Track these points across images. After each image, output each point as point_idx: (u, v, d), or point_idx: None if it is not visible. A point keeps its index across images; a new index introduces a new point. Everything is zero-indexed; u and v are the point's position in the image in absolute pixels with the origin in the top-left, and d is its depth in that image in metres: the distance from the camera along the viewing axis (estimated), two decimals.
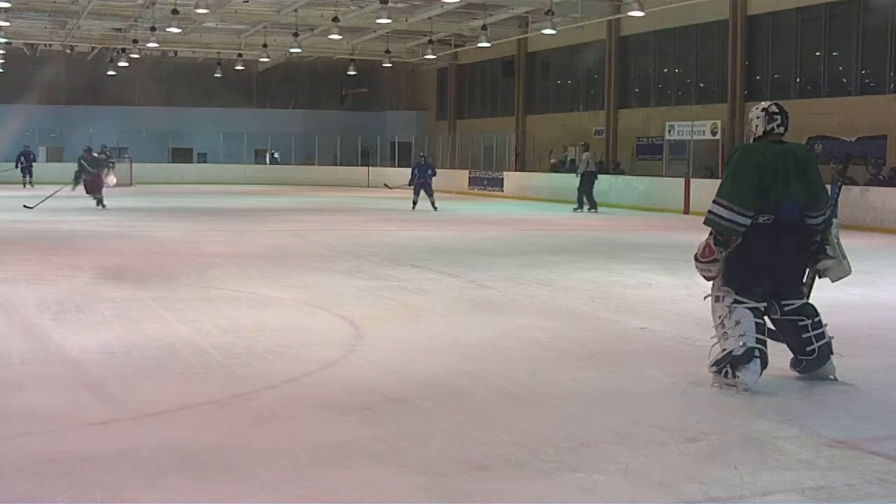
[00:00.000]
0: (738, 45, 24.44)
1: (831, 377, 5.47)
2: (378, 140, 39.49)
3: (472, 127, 36.62)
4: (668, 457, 4.09)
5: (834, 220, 5.52)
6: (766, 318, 5.38)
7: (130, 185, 32.64)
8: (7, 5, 24.37)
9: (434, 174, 22.69)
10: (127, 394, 5.12)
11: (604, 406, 4.96)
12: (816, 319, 5.44)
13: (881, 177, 20.11)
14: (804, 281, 5.54)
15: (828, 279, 5.63)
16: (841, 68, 22.80)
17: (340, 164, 39.26)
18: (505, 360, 6.03)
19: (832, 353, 5.48)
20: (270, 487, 3.68)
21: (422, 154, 25.06)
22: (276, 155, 41.67)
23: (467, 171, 32.63)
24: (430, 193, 22.19)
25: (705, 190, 21.94)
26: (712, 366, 5.32)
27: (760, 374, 5.21)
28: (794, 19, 23.53)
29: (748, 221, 5.25)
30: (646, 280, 10.05)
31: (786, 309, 5.41)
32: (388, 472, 3.87)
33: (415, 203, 22.30)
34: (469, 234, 16.32)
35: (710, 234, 5.38)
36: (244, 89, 40.65)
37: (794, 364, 5.54)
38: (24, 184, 30.85)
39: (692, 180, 22.62)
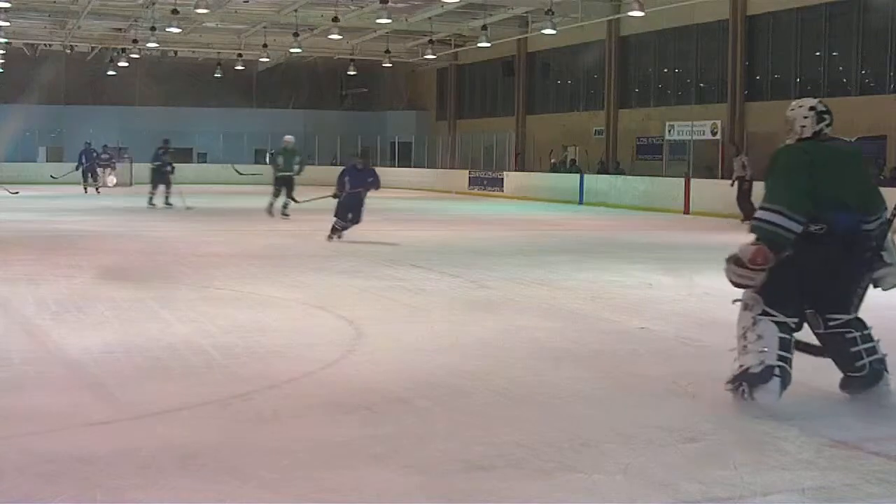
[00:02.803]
0: (738, 45, 24.45)
1: (885, 400, 4.91)
2: (378, 140, 39.49)
3: (472, 127, 36.62)
4: (668, 457, 4.09)
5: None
6: (795, 334, 4.87)
7: (130, 185, 32.64)
8: (7, 5, 24.38)
9: (377, 185, 14.23)
10: (127, 394, 5.12)
11: (604, 406, 4.96)
12: (866, 332, 4.91)
13: (882, 177, 20.10)
14: (857, 293, 4.98)
15: (881, 288, 5.08)
16: (841, 68, 22.80)
17: (340, 164, 39.22)
18: (505, 360, 6.03)
19: (887, 371, 4.94)
20: (270, 487, 3.68)
21: (358, 156, 16.03)
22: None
23: (467, 171, 32.63)
24: (359, 210, 14.01)
25: (705, 190, 21.99)
26: (728, 383, 4.88)
27: (780, 395, 4.75)
28: (794, 19, 23.53)
29: (800, 228, 4.68)
30: (646, 280, 10.04)
31: (831, 324, 4.88)
32: (388, 472, 3.87)
33: (342, 229, 13.82)
34: (469, 234, 16.31)
35: (758, 239, 4.78)
36: (244, 89, 40.64)
37: (844, 384, 5.00)
38: (87, 187, 27.73)
39: (692, 180, 22.62)
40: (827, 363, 6.06)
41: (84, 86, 39.22)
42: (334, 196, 14.04)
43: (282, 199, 18.09)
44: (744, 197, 18.54)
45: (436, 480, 3.79)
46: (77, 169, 27.91)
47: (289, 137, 18.71)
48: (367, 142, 39.42)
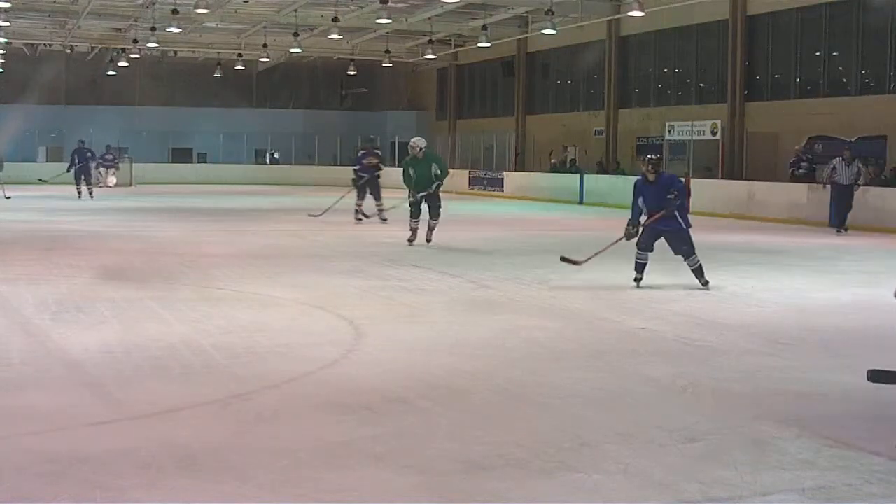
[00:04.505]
0: (738, 45, 24.43)
1: None
2: (378, 140, 39.48)
3: (472, 127, 36.59)
4: (668, 457, 4.09)
5: None
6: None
7: (130, 185, 32.66)
8: (7, 5, 24.34)
9: (682, 196, 9.81)
10: (127, 394, 5.13)
11: (604, 406, 4.96)
12: None
13: (883, 176, 20.10)
14: None
15: None
16: (841, 68, 22.79)
17: (340, 164, 39.25)
18: (505, 360, 6.03)
19: None
20: (270, 487, 3.68)
21: (644, 160, 9.77)
22: (276, 155, 41.68)
23: (467, 171, 32.60)
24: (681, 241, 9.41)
25: (705, 190, 21.97)
26: None
27: None
28: (794, 19, 23.51)
29: None
30: (646, 280, 10.02)
31: None
32: (388, 472, 3.87)
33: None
34: (469, 234, 16.30)
35: None
36: (244, 89, 40.63)
37: None
38: (80, 192, 24.80)
39: (692, 180, 22.61)
40: (824, 364, 6.08)
41: (84, 86, 39.19)
42: (627, 236, 9.52)
43: (430, 222, 13.43)
44: (839, 200, 16.92)
45: (436, 480, 3.79)
46: (69, 170, 25.28)
47: (416, 141, 13.58)
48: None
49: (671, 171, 25.28)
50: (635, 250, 9.39)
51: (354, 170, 17.69)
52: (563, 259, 10.12)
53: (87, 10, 27.15)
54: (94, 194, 24.73)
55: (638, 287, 9.30)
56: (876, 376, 4.56)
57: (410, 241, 13.28)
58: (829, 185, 17.36)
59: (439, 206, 13.36)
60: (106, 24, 30.90)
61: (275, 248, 13.13)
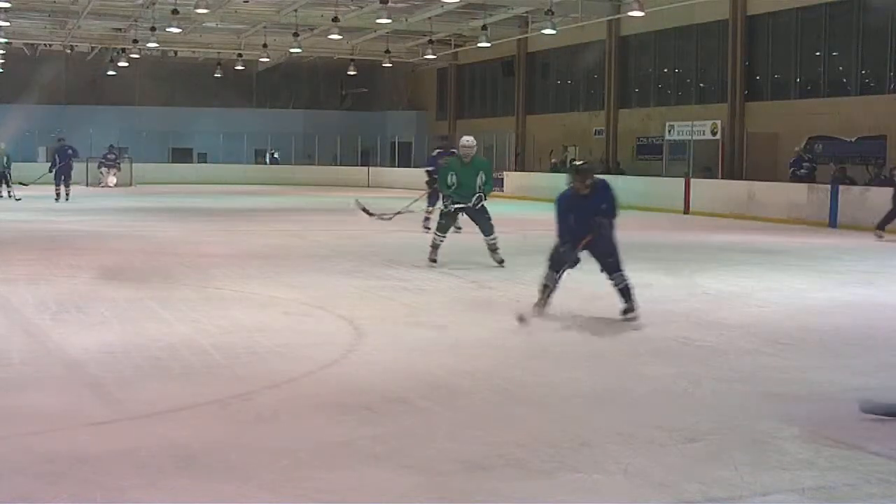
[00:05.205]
0: (738, 45, 24.44)
1: None
2: (378, 140, 39.47)
3: (472, 127, 36.42)
4: (668, 457, 4.09)
5: None
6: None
7: (130, 185, 32.68)
8: (7, 5, 24.35)
9: (612, 213, 7.79)
10: (127, 394, 5.13)
11: (604, 406, 4.96)
12: None
13: (882, 176, 20.09)
14: None
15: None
16: (841, 68, 22.79)
17: (340, 164, 39.26)
18: (505, 360, 6.04)
19: None
20: (270, 487, 3.68)
21: (571, 165, 8.85)
22: (276, 155, 41.68)
23: None
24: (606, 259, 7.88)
25: (705, 190, 21.99)
26: None
27: None
28: (794, 19, 23.51)
29: None
30: (646, 280, 10.01)
31: None
32: (388, 472, 3.87)
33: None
34: (469, 234, 16.28)
35: None
36: (244, 89, 40.62)
37: None
38: (58, 194, 23.23)
39: (692, 180, 22.62)
40: (824, 364, 6.08)
41: (84, 86, 39.19)
42: (572, 264, 7.82)
43: (487, 241, 11.42)
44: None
45: (436, 480, 3.79)
46: (51, 170, 23.84)
47: (468, 140, 11.32)
48: (367, 142, 39.48)
49: (671, 170, 25.44)
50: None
51: (428, 171, 15.53)
52: (519, 319, 7.30)
53: (87, 10, 27.16)
54: (70, 196, 23.11)
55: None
56: (868, 408, 4.62)
57: (433, 260, 11.12)
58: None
59: (489, 219, 11.21)
60: (106, 24, 30.91)
61: (275, 248, 13.13)
